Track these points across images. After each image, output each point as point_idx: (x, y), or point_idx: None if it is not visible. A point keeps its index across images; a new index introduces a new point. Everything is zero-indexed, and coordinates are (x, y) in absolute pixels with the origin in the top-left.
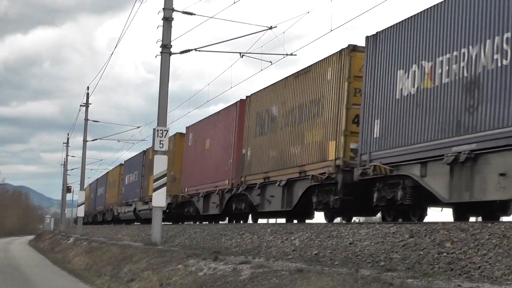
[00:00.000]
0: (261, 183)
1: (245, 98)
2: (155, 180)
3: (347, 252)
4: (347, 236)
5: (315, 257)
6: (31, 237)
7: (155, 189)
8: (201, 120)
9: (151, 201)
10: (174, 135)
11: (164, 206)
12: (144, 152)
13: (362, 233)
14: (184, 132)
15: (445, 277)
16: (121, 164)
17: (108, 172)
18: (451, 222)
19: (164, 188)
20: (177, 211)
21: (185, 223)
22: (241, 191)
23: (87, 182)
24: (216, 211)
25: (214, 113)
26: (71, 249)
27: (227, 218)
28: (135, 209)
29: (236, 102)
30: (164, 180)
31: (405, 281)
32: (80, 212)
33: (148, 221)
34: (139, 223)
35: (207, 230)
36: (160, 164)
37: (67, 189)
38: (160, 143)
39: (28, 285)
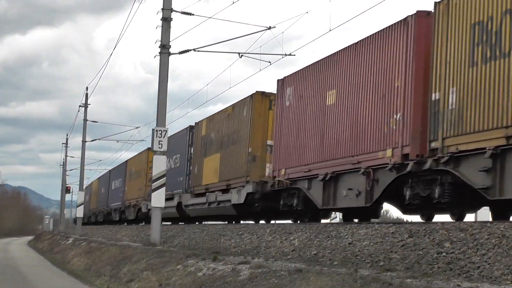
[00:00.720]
0: (497, 148)
1: (432, 8)
2: (154, 180)
3: (346, 252)
4: (346, 236)
5: (314, 257)
6: (30, 237)
7: (154, 189)
8: (309, 66)
9: (208, 192)
10: (251, 95)
11: (163, 206)
12: (191, 128)
13: (361, 233)
14: (265, 91)
15: (444, 277)
16: (148, 149)
17: (127, 161)
18: (450, 222)
19: (163, 188)
20: (265, 205)
21: (275, 222)
22: (433, 166)
23: (86, 183)
24: (357, 202)
25: (340, 50)
26: (71, 249)
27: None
28: (179, 204)
29: (405, 19)
30: (163, 180)
31: (404, 281)
32: (79, 212)
33: (197, 219)
34: (182, 223)
35: (206, 231)
36: (159, 164)
37: (66, 190)
38: (159, 143)
39: (27, 285)
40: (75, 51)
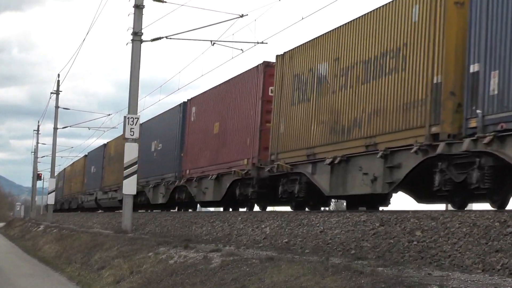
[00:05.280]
0: None
1: None
2: (126, 168)
3: (318, 240)
4: (318, 224)
5: (285, 245)
6: (1, 224)
7: (126, 177)
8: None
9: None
10: None
11: (135, 193)
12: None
13: (332, 221)
14: None
15: (415, 265)
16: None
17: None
18: (421, 211)
19: (135, 176)
20: None
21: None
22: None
23: (57, 170)
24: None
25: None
26: (42, 236)
27: None
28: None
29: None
30: (135, 167)
31: (376, 270)
32: (51, 199)
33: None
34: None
35: (178, 218)
36: (131, 152)
37: (38, 177)
38: (130, 131)
39: None
40: (44, 37)
